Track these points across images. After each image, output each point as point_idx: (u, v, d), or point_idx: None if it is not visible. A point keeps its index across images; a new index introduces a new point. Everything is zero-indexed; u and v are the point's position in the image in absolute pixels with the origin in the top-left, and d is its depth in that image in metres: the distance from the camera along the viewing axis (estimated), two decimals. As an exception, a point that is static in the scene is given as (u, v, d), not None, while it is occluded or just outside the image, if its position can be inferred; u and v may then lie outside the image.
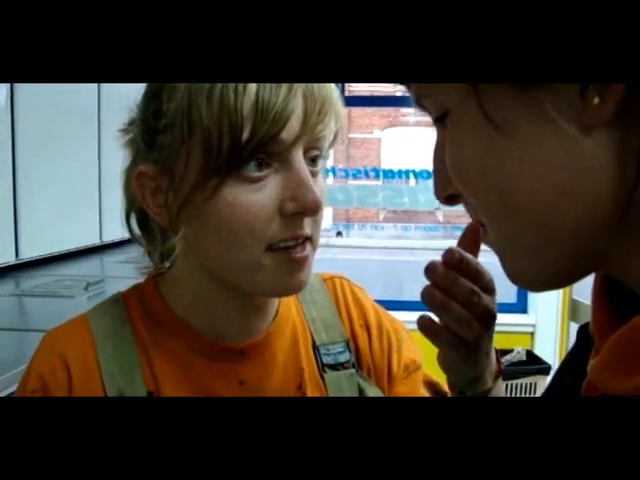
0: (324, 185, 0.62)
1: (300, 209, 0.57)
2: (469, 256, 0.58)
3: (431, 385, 0.76)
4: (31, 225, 1.99)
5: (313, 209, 0.57)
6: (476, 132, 0.35)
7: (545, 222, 0.33)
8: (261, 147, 0.55)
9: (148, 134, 0.60)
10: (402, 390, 0.74)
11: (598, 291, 0.40)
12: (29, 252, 2.04)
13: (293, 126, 0.56)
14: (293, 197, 0.57)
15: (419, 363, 0.76)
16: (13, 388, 1.13)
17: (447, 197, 0.40)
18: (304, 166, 0.58)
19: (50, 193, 2.12)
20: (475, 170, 0.35)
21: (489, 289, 0.60)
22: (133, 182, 0.62)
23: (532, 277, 0.37)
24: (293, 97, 0.55)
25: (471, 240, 0.57)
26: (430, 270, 0.58)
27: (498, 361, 0.66)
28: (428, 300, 0.58)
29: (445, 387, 0.76)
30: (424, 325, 0.59)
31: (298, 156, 0.58)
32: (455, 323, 0.58)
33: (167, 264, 0.68)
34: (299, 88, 0.56)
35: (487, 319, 0.59)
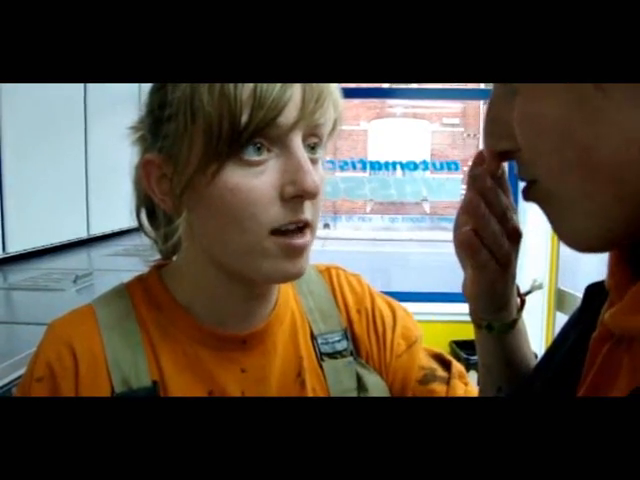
0: (323, 173, 0.64)
1: (299, 192, 0.59)
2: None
3: (435, 357, 0.78)
4: (18, 219, 1.99)
5: (312, 192, 0.59)
6: (566, 88, 0.34)
7: (622, 180, 0.33)
8: (259, 131, 0.57)
9: (154, 124, 0.62)
10: (400, 366, 0.75)
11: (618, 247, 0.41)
12: (16, 246, 2.03)
13: (290, 112, 0.57)
14: (292, 181, 0.59)
15: (415, 337, 0.77)
16: (4, 381, 1.14)
17: (500, 153, 0.40)
18: (303, 151, 0.60)
19: (37, 187, 2.11)
20: (554, 126, 0.35)
21: (515, 209, 0.60)
22: (140, 171, 0.64)
23: (590, 237, 0.37)
24: (290, 86, 0.57)
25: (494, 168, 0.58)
26: (479, 179, 0.58)
27: (519, 293, 0.67)
28: (473, 210, 0.58)
29: (448, 357, 0.78)
30: (467, 239, 0.59)
31: (297, 141, 0.59)
32: (491, 237, 0.59)
33: (174, 257, 0.70)
34: None
35: (515, 237, 0.61)
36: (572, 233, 0.38)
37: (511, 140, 0.39)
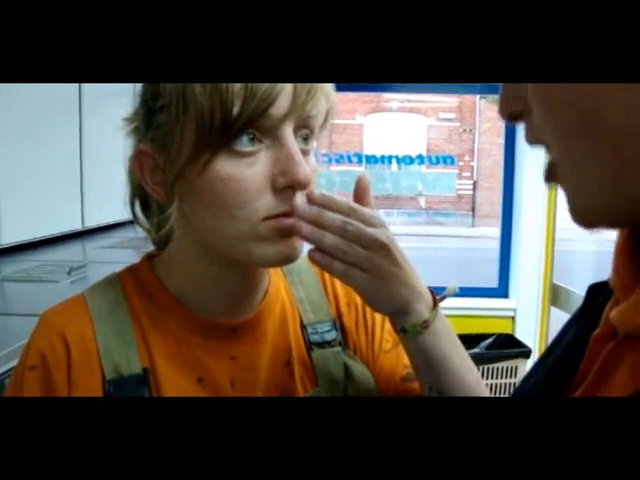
0: (315, 165, 0.65)
1: (290, 183, 0.60)
2: (336, 196, 0.62)
3: None
4: (12, 211, 1.98)
5: (302, 183, 0.60)
6: None
7: (624, 146, 0.32)
8: (251, 122, 0.58)
9: (147, 115, 0.63)
10: (386, 363, 0.76)
11: (624, 245, 0.41)
12: (10, 238, 2.02)
13: (282, 103, 0.58)
14: (283, 171, 0.60)
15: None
16: (-2, 371, 1.14)
17: (511, 113, 0.40)
18: (294, 142, 0.60)
19: (31, 178, 2.10)
20: (560, 90, 0.34)
21: (374, 223, 0.62)
22: (133, 161, 0.65)
23: (594, 208, 0.36)
24: None
25: (359, 192, 0.65)
26: (296, 207, 0.61)
27: (432, 293, 0.68)
28: (297, 232, 0.61)
29: None
30: (313, 257, 0.63)
31: (288, 133, 0.60)
32: (334, 249, 0.61)
33: (166, 246, 0.70)
34: None
35: (376, 247, 0.61)
36: (577, 206, 0.37)
37: (524, 101, 0.38)
